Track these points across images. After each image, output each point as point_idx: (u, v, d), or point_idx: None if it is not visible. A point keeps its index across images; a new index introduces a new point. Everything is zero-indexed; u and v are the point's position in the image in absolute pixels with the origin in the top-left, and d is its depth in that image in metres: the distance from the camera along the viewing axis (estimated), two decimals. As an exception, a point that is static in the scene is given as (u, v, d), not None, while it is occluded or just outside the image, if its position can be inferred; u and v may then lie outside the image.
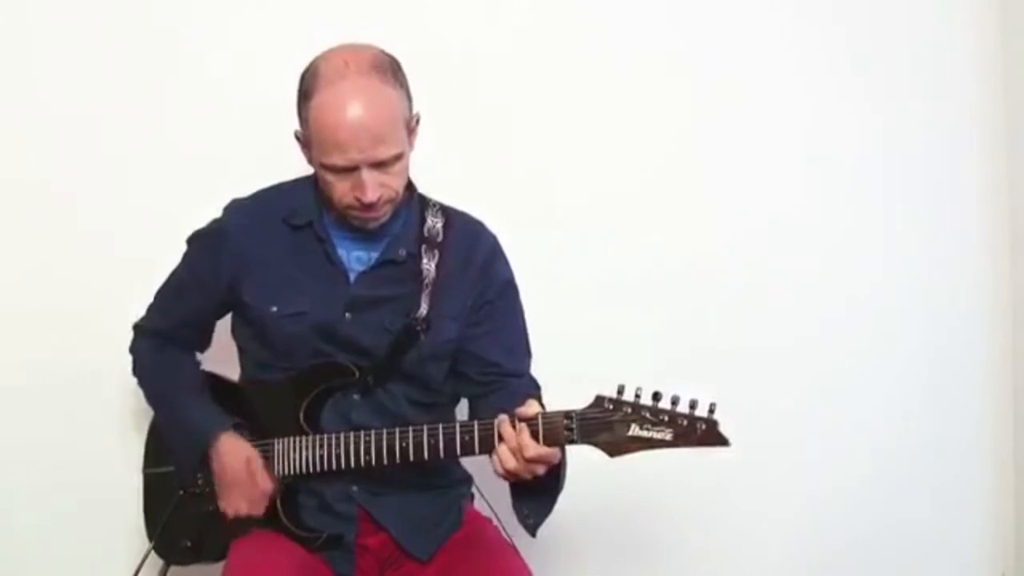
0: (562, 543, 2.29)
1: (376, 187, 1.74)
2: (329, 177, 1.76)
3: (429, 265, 1.85)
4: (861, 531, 2.54)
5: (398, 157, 1.75)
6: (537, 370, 1.94)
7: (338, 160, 1.72)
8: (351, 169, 1.73)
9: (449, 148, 2.22)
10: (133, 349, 2.00)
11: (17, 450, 2.29)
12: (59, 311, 2.28)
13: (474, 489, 2.01)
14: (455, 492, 1.96)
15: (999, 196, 2.56)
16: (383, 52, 1.79)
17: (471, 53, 2.37)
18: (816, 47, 2.49)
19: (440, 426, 1.74)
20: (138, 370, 1.98)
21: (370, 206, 1.76)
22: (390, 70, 1.76)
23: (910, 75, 2.52)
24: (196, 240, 1.94)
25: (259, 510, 1.83)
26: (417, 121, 1.83)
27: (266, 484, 1.82)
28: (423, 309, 1.83)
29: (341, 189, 1.76)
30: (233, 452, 1.83)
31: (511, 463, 1.67)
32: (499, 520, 1.94)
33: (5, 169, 2.28)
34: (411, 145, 1.81)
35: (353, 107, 1.70)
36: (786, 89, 2.49)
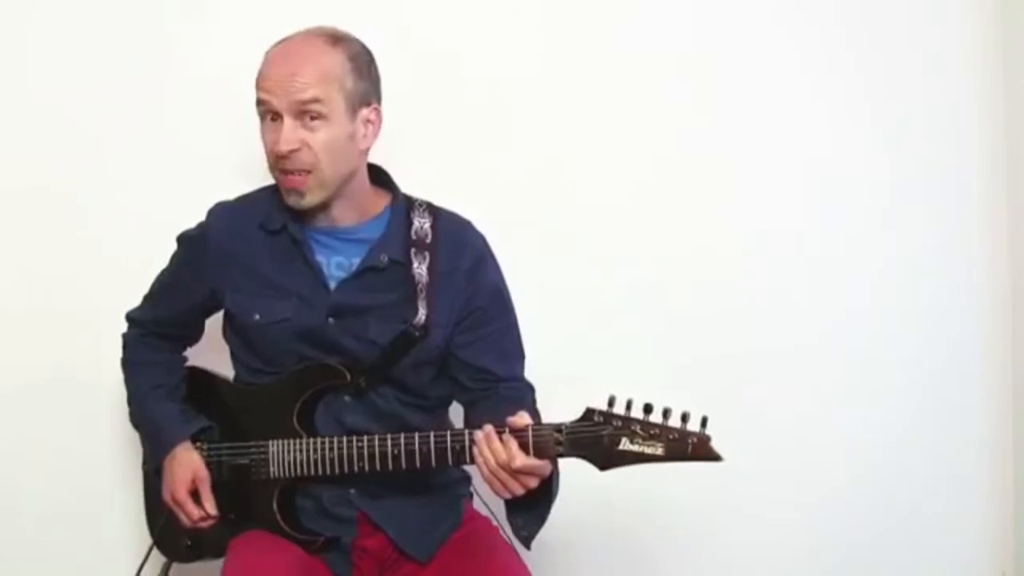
0: (561, 543, 2.29)
1: (292, 139, 1.70)
2: (261, 128, 1.75)
3: (420, 269, 1.81)
4: (861, 532, 2.54)
5: (319, 105, 1.70)
6: (530, 374, 1.93)
7: (259, 93, 1.72)
8: (275, 116, 1.71)
9: (441, 149, 2.21)
10: (123, 336, 2.00)
11: (17, 450, 2.30)
12: (58, 312, 2.28)
13: (472, 489, 2.00)
14: (454, 491, 1.95)
15: (999, 196, 2.55)
16: (359, 41, 1.78)
17: (462, 53, 2.35)
18: (816, 48, 2.48)
19: (432, 434, 1.72)
20: (121, 360, 1.99)
21: (284, 159, 1.71)
22: (347, 42, 1.76)
23: (910, 76, 2.50)
24: (181, 243, 1.93)
25: (203, 528, 1.85)
26: (378, 115, 1.80)
27: (200, 513, 1.83)
28: (421, 315, 1.79)
29: (268, 143, 1.74)
30: (184, 465, 1.84)
31: (492, 464, 1.65)
32: (498, 521, 1.93)
33: (3, 171, 2.28)
34: (361, 134, 1.77)
35: (284, 45, 1.74)
36: (784, 92, 2.47)
